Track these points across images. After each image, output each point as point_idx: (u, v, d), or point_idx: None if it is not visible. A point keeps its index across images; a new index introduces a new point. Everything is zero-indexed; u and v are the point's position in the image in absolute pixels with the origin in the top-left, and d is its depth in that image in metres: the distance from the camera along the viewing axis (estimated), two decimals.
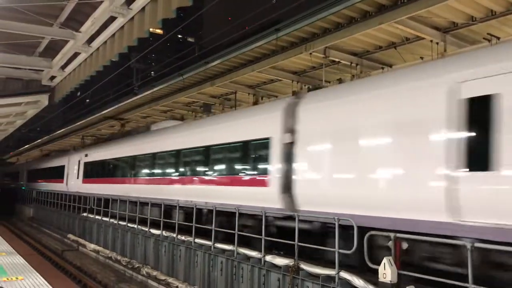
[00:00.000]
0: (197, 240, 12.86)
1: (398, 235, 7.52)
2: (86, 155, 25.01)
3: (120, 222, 18.24)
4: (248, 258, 10.67)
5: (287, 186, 10.14)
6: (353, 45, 11.85)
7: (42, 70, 11.79)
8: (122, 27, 8.29)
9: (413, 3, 9.15)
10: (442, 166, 7.02)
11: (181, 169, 15.01)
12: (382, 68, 13.02)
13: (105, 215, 20.00)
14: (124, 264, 16.82)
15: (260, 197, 10.97)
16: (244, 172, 11.83)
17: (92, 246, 20.67)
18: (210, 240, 12.06)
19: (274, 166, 10.56)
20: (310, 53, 11.84)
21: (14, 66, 11.24)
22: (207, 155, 13.49)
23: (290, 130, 10.22)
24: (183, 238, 13.60)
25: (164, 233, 14.68)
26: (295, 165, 9.99)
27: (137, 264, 16.02)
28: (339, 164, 9.03)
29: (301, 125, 10.06)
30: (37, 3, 7.76)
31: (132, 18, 7.85)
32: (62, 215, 27.43)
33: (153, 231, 15.45)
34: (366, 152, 8.42)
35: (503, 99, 6.42)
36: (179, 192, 14.82)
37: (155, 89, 18.52)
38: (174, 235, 13.98)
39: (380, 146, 8.20)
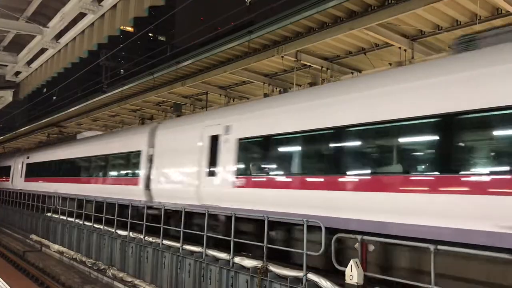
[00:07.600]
0: (165, 242, 12.72)
1: (365, 237, 7.66)
2: None
3: (86, 223, 17.85)
4: (216, 259, 10.63)
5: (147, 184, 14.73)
6: (324, 49, 12.03)
7: (6, 65, 11.39)
8: (92, 24, 8.10)
9: (383, 10, 9.38)
10: None
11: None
12: (352, 73, 13.26)
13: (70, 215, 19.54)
14: (89, 265, 16.44)
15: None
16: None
17: (56, 247, 20.10)
18: (179, 242, 11.97)
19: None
20: (282, 56, 11.94)
21: None
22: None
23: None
24: (150, 239, 13.42)
25: (131, 234, 14.45)
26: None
27: (103, 266, 15.69)
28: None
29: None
30: None
31: (103, 15, 7.69)
32: (25, 215, 26.58)
33: (120, 232, 15.19)
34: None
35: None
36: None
37: (124, 87, 18.23)
38: (142, 236, 13.78)
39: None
